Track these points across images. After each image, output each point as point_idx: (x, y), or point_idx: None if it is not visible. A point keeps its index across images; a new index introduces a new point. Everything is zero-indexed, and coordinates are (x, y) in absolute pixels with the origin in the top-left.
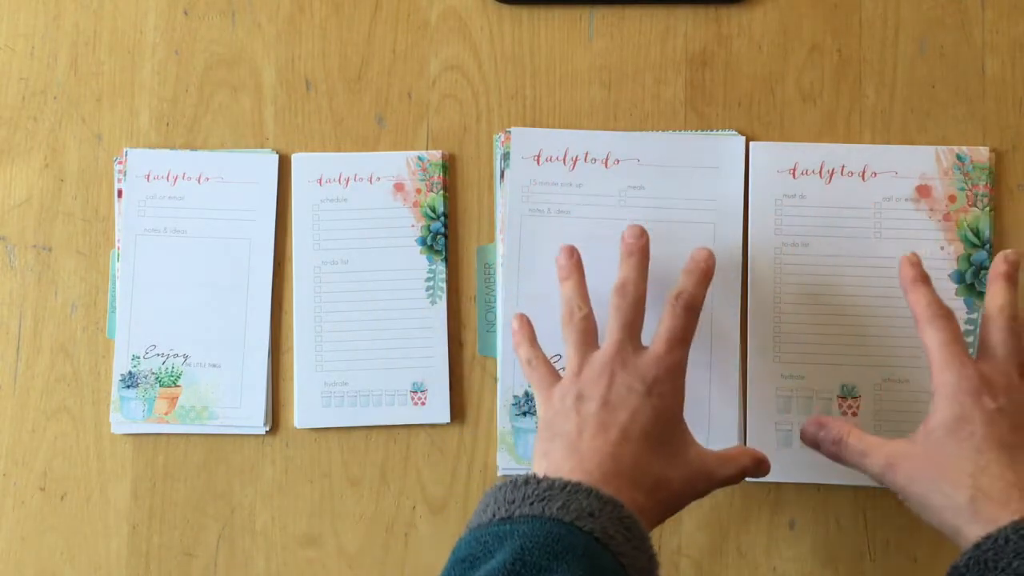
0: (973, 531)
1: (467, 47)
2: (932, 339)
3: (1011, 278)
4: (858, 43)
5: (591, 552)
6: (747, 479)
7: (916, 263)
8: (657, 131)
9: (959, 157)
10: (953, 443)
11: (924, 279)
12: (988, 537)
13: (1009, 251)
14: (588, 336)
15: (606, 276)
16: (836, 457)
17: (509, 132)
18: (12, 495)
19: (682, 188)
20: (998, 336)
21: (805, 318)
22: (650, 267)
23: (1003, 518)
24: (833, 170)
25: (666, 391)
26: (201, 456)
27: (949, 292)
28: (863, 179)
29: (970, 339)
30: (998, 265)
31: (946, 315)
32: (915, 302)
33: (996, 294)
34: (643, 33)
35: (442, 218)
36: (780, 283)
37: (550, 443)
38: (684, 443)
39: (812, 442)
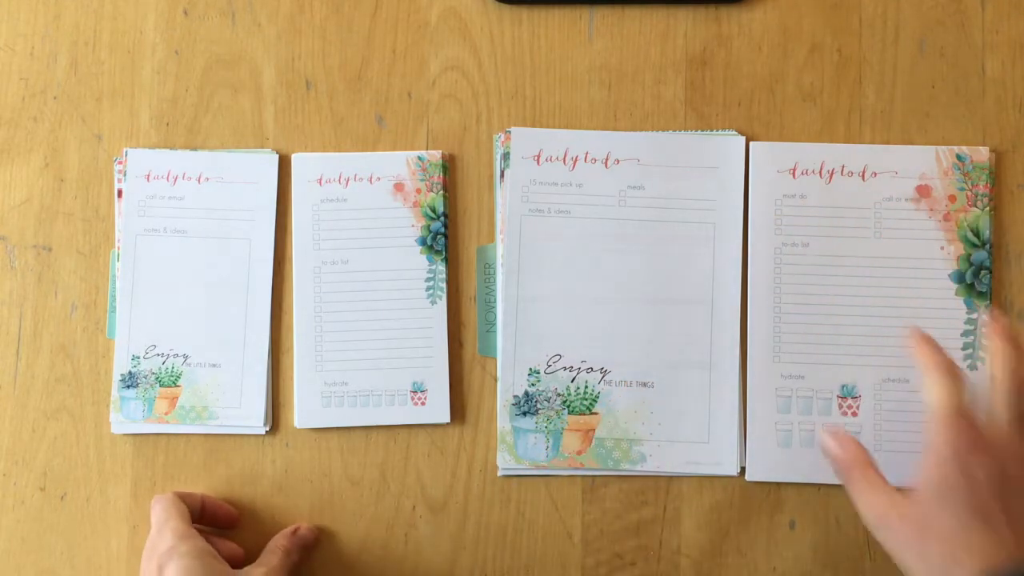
0: None
1: (467, 47)
2: (932, 395)
3: (1009, 337)
4: (858, 43)
5: None
6: (747, 479)
7: (923, 335)
8: (657, 131)
9: (959, 157)
10: (936, 506)
11: (930, 340)
12: None
13: (998, 315)
14: None
15: (605, 276)
16: (840, 480)
17: (509, 132)
18: (12, 495)
19: (682, 188)
20: (1002, 395)
21: (805, 318)
22: (650, 266)
23: None
24: (833, 170)
25: None
26: (201, 456)
27: (949, 292)
28: (863, 179)
29: (970, 339)
30: (994, 325)
31: (952, 373)
32: (922, 357)
33: (1002, 356)
34: (643, 33)
35: (442, 218)
36: (780, 283)
37: None
38: None
39: (824, 451)
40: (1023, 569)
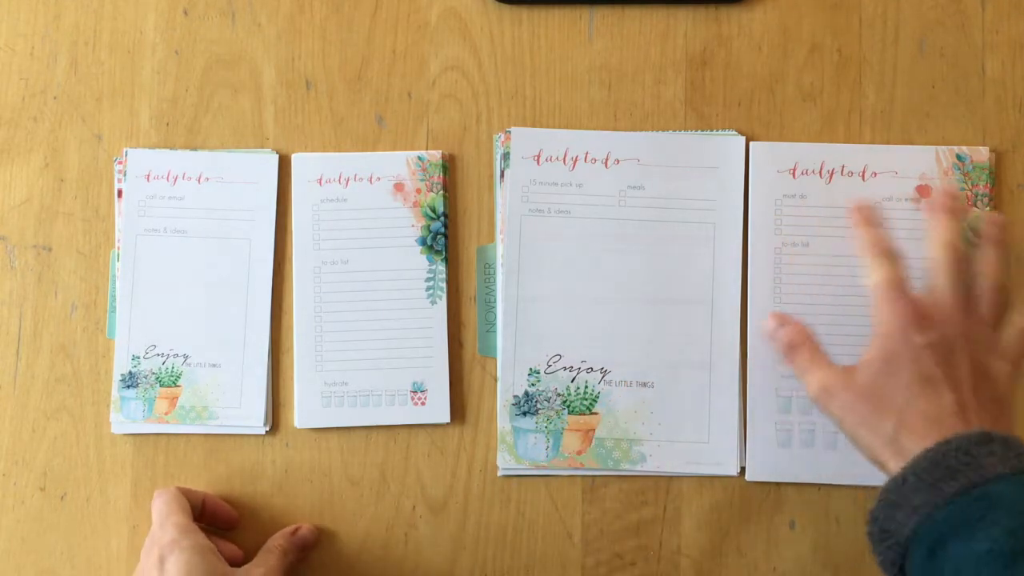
0: (893, 466)
1: (467, 47)
2: (873, 277)
3: (954, 212)
4: (858, 43)
5: None
6: (747, 479)
7: (866, 207)
8: (657, 131)
9: (959, 157)
10: (883, 379)
11: (873, 221)
12: (893, 479)
13: (949, 188)
14: None
15: (605, 276)
16: (787, 361)
17: (509, 132)
18: (12, 495)
19: (682, 188)
20: (939, 271)
21: (805, 318)
22: (650, 266)
23: (918, 451)
24: (833, 170)
25: None
26: (201, 456)
27: None
28: (863, 179)
29: None
30: (939, 199)
31: (888, 254)
32: (863, 238)
33: (940, 230)
34: (643, 33)
35: (442, 218)
36: (780, 283)
37: None
38: None
39: (769, 337)
40: (969, 435)
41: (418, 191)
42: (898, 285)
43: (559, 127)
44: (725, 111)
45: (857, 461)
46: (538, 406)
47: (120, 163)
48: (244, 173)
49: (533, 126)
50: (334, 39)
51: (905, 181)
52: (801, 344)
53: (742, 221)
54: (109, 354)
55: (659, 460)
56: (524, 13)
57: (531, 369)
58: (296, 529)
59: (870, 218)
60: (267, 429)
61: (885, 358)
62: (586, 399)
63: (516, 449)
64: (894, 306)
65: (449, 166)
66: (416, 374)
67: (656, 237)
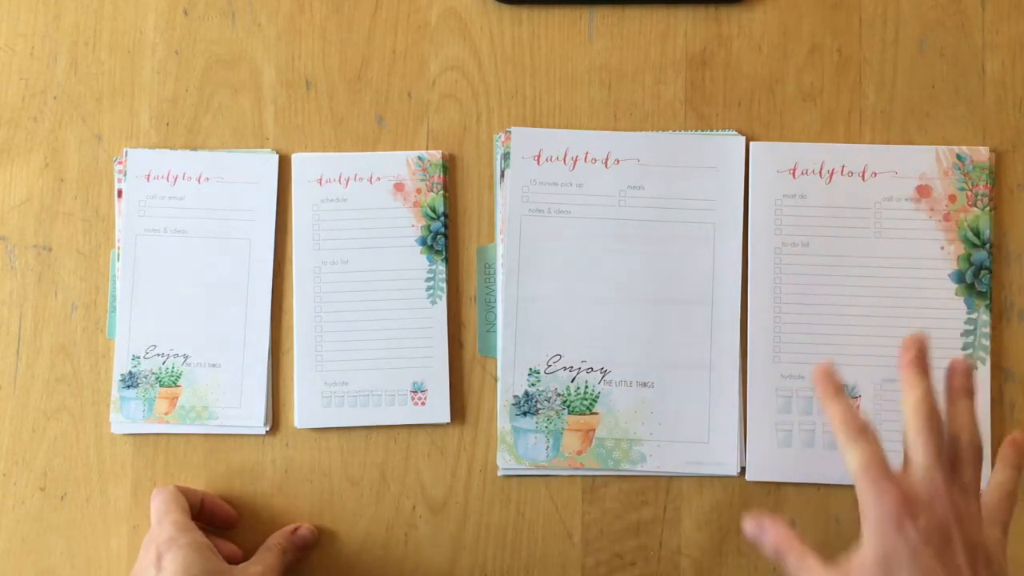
0: None
1: (467, 47)
2: (851, 462)
3: (920, 365)
4: (858, 43)
5: None
6: (747, 479)
7: (830, 373)
8: (657, 131)
9: (959, 157)
10: None
11: (838, 392)
12: None
13: (913, 336)
14: None
15: (605, 276)
16: (777, 562)
17: (509, 132)
18: (12, 495)
19: (682, 188)
20: (916, 439)
21: (805, 318)
22: (650, 266)
23: None
24: (833, 170)
25: None
26: (201, 456)
27: (949, 292)
28: (863, 179)
29: (970, 339)
30: (904, 353)
31: (862, 432)
32: (832, 418)
33: (907, 390)
34: (643, 33)
35: (442, 218)
36: (780, 283)
37: None
38: None
39: (752, 539)
40: None
41: (418, 191)
42: (879, 468)
43: (559, 127)
44: (725, 111)
45: None
46: (538, 406)
47: (120, 163)
48: (244, 173)
49: (533, 126)
50: (334, 39)
51: (905, 181)
52: (788, 549)
53: (742, 221)
54: (109, 354)
55: (659, 460)
56: (524, 13)
57: (531, 369)
58: (295, 528)
59: (834, 389)
60: (267, 429)
61: (881, 557)
62: (586, 399)
63: (516, 449)
64: (880, 496)
65: (449, 166)
66: (416, 374)
67: (656, 237)
